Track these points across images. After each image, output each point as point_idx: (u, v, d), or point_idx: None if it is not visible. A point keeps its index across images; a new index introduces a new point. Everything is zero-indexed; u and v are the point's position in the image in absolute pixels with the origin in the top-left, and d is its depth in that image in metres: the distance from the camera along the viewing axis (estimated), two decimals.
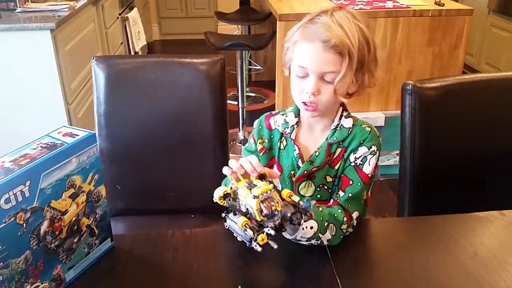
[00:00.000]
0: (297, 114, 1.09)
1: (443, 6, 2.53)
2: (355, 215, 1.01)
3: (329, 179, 1.06)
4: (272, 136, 1.12)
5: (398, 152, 1.37)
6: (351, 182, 1.03)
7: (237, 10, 3.98)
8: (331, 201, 1.05)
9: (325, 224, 0.95)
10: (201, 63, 1.41)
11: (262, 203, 0.81)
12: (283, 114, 1.12)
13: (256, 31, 4.04)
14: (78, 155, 0.86)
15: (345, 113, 1.07)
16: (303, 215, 0.84)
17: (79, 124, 2.43)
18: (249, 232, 0.81)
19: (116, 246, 1.01)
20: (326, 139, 1.05)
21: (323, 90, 0.98)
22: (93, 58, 1.42)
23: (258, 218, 0.81)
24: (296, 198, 0.84)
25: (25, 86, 2.26)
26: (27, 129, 2.26)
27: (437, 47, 2.56)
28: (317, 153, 1.06)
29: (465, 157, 1.31)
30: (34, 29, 2.16)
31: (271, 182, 0.88)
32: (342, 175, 1.05)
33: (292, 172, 1.09)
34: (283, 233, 0.92)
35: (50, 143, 0.85)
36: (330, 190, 1.08)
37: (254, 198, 0.81)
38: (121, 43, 3.56)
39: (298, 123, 1.09)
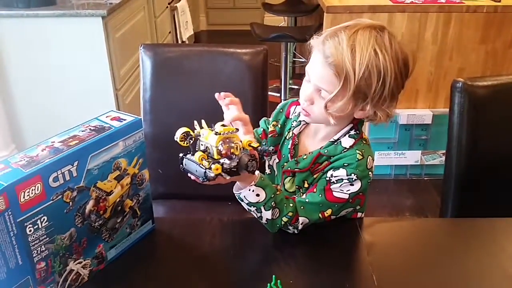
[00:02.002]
0: None
1: (499, 1, 2.42)
2: (302, 220, 0.98)
3: (306, 184, 1.05)
4: (285, 124, 1.13)
5: (444, 151, 1.33)
6: (315, 190, 1.00)
7: (284, 1, 3.96)
8: (293, 196, 1.03)
9: (272, 203, 0.95)
10: (244, 53, 1.42)
11: (222, 143, 0.82)
12: None
13: (303, 23, 4.00)
14: (124, 138, 0.89)
15: (352, 132, 1.02)
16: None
17: (126, 109, 2.50)
18: (205, 164, 0.82)
19: (156, 228, 1.04)
20: (321, 148, 1.03)
21: (316, 102, 0.96)
22: (141, 46, 1.45)
23: (215, 156, 0.82)
24: (255, 144, 0.86)
25: (76, 71, 2.34)
26: (77, 112, 2.33)
27: (491, 45, 2.46)
28: (305, 157, 1.04)
29: None
30: (86, 16, 2.22)
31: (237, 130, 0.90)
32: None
33: (285, 164, 1.09)
34: (233, 188, 0.96)
35: (98, 126, 0.88)
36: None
37: (216, 134, 0.83)
38: (169, 32, 3.62)
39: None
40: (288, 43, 3.16)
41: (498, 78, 1.26)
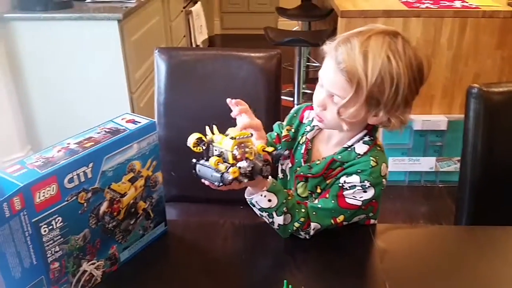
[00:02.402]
0: None
1: None
2: (314, 225, 0.98)
3: (319, 189, 1.04)
4: (299, 128, 1.13)
5: (459, 158, 1.32)
6: (327, 196, 0.99)
7: (298, 6, 3.96)
8: (306, 201, 1.03)
9: (284, 209, 0.94)
10: (257, 57, 1.43)
11: (237, 148, 0.82)
12: None
13: (317, 28, 4.00)
14: (139, 141, 0.90)
15: (366, 138, 1.01)
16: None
17: (141, 112, 2.51)
18: (221, 167, 0.82)
19: (169, 230, 1.04)
20: (334, 153, 1.02)
21: (329, 107, 0.96)
22: (156, 49, 1.47)
23: (230, 161, 0.82)
24: (269, 149, 0.87)
25: (92, 74, 2.37)
26: (93, 114, 2.36)
27: (507, 51, 2.43)
28: (318, 162, 1.04)
29: None
30: (103, 19, 2.25)
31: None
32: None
33: (298, 168, 1.08)
34: (245, 193, 0.96)
35: (113, 128, 0.89)
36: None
37: (231, 139, 0.83)
38: (184, 36, 3.65)
39: None
40: (302, 48, 3.16)
41: None
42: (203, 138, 0.87)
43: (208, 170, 0.85)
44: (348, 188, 0.97)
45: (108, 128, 0.89)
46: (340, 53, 0.90)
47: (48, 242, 0.78)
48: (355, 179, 0.97)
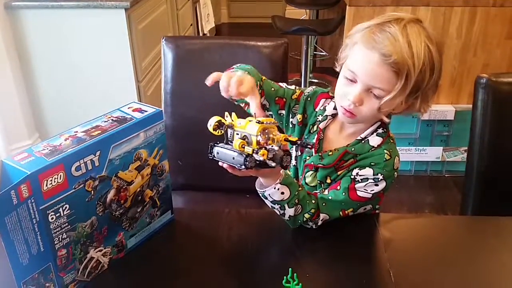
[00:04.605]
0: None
1: None
2: (322, 216, 0.98)
3: (329, 180, 1.04)
4: (311, 116, 1.10)
5: (466, 148, 1.31)
6: (338, 188, 0.99)
7: None
8: (315, 191, 1.02)
9: (296, 201, 0.94)
10: (264, 46, 1.42)
11: (262, 133, 0.80)
12: (331, 100, 1.08)
13: (325, 16, 3.97)
14: (145, 130, 0.90)
15: (380, 130, 1.00)
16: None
17: (148, 101, 2.53)
18: (248, 149, 0.80)
19: (175, 218, 1.05)
20: (348, 145, 1.01)
21: (366, 102, 0.92)
22: (163, 38, 1.46)
23: (254, 145, 0.80)
24: (293, 138, 0.85)
25: (99, 62, 2.37)
26: (100, 103, 2.38)
27: None
28: (330, 153, 1.02)
29: None
30: (110, 8, 2.25)
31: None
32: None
33: (307, 157, 1.07)
34: (256, 185, 0.95)
35: (120, 117, 0.89)
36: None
37: (257, 123, 0.81)
38: (191, 24, 3.64)
39: (334, 116, 1.06)
40: (309, 37, 3.14)
41: None
42: (224, 121, 0.85)
43: (229, 153, 0.83)
44: (360, 180, 0.97)
45: (115, 117, 0.89)
46: (385, 46, 0.87)
47: (55, 229, 0.79)
48: (368, 171, 0.97)
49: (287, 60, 1.42)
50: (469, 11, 2.36)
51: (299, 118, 1.10)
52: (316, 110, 1.10)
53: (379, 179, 0.96)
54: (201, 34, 3.71)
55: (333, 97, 1.08)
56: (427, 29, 0.91)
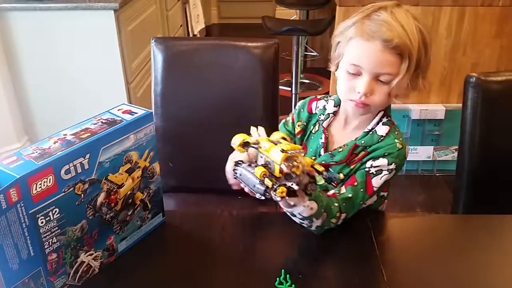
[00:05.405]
0: (338, 104, 1.08)
1: None
2: (343, 216, 0.98)
3: (342, 176, 1.04)
4: (310, 119, 1.12)
5: (456, 147, 1.32)
6: (356, 184, 0.99)
7: None
8: (331, 191, 1.02)
9: (322, 210, 0.94)
10: (255, 47, 1.42)
11: (286, 160, 0.77)
12: (326, 100, 1.11)
13: (315, 16, 3.98)
14: (135, 132, 0.89)
15: (384, 119, 1.03)
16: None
17: (138, 103, 2.51)
18: (268, 182, 0.77)
19: (167, 221, 1.04)
20: (356, 139, 1.03)
21: (377, 90, 0.95)
22: (152, 39, 1.46)
23: (276, 173, 0.78)
24: (320, 168, 0.82)
25: (88, 64, 2.35)
26: (89, 105, 2.35)
27: (506, 39, 2.42)
28: (340, 149, 1.04)
29: None
30: (99, 9, 2.23)
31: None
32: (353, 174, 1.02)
33: (313, 158, 1.07)
34: (280, 203, 0.89)
35: (110, 119, 0.88)
36: (337, 185, 1.05)
37: (282, 151, 0.78)
38: (181, 25, 3.62)
39: (335, 113, 1.08)
40: (300, 37, 3.14)
41: None
42: (249, 140, 0.84)
43: (251, 178, 0.81)
44: (375, 172, 0.99)
45: (104, 119, 0.88)
46: (383, 32, 0.91)
47: (45, 234, 0.78)
48: (382, 162, 0.99)
49: (278, 60, 1.42)
50: (458, 11, 2.37)
51: (298, 128, 1.13)
52: (313, 112, 1.12)
53: (392, 169, 0.99)
54: (191, 35, 3.70)
55: (322, 98, 1.11)
56: (410, 11, 0.95)
